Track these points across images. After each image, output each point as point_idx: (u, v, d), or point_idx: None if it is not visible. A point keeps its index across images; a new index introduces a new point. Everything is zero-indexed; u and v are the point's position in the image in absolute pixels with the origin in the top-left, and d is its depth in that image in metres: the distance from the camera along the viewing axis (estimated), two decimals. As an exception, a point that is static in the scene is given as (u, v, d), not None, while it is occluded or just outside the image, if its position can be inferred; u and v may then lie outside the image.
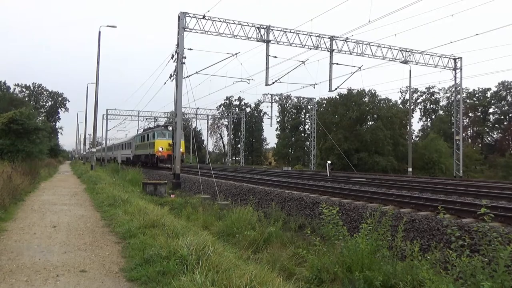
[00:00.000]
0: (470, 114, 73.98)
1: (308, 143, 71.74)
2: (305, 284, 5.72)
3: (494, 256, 4.56)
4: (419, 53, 30.67)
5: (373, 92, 59.24)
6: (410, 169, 36.17)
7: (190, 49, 24.48)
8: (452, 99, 59.06)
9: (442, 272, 4.91)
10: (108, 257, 6.22)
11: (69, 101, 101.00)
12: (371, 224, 6.17)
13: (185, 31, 21.71)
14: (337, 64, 25.93)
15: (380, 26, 62.05)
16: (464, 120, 66.06)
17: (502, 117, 72.72)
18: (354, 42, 26.38)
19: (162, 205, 12.85)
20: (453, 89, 43.29)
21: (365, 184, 18.78)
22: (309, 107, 60.01)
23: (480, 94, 74.62)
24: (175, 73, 22.15)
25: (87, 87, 78.19)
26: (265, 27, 23.37)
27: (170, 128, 34.88)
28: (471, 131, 74.90)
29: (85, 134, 79.45)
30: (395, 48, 29.29)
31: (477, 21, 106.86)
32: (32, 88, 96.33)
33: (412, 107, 65.03)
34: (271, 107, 54.31)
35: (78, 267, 5.61)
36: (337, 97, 59.40)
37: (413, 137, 64.20)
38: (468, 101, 72.85)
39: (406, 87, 66.28)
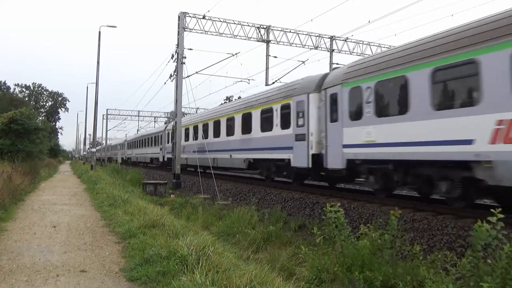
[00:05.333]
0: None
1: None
2: (305, 284, 5.71)
3: (494, 256, 4.55)
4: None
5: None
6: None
7: (190, 49, 24.53)
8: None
9: (442, 273, 4.91)
10: (108, 257, 6.22)
11: (69, 101, 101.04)
12: (373, 224, 6.17)
13: (185, 31, 21.71)
14: (337, 64, 25.94)
15: (380, 26, 62.07)
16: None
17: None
18: (354, 42, 26.37)
19: (162, 205, 12.86)
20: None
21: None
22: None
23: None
24: (175, 73, 22.14)
25: (87, 87, 78.35)
26: (265, 27, 23.37)
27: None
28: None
29: (85, 134, 79.53)
30: (395, 48, 29.20)
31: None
32: (32, 88, 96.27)
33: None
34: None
35: (78, 267, 5.61)
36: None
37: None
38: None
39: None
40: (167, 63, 26.10)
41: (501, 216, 4.57)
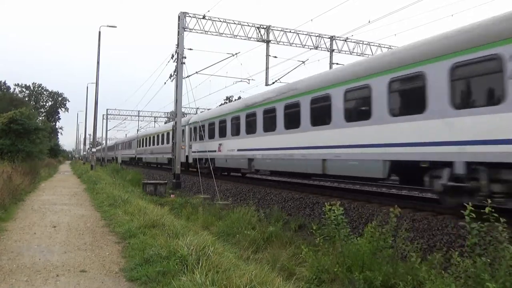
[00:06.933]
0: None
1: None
2: (305, 284, 5.71)
3: (495, 256, 4.54)
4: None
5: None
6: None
7: (190, 49, 24.50)
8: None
9: (443, 273, 4.90)
10: (108, 257, 6.22)
11: (69, 101, 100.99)
12: (374, 225, 6.17)
13: (185, 31, 21.70)
14: (337, 64, 25.92)
15: (380, 26, 62.07)
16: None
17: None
18: (354, 42, 26.36)
19: (162, 205, 12.85)
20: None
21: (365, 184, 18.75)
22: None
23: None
24: (175, 73, 22.13)
25: (87, 87, 78.28)
26: (265, 27, 23.37)
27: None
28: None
29: (85, 134, 79.36)
30: (395, 48, 29.14)
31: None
32: (32, 88, 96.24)
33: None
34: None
35: (78, 267, 5.61)
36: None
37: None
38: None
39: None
40: (167, 63, 26.11)
41: (471, 208, 4.80)
